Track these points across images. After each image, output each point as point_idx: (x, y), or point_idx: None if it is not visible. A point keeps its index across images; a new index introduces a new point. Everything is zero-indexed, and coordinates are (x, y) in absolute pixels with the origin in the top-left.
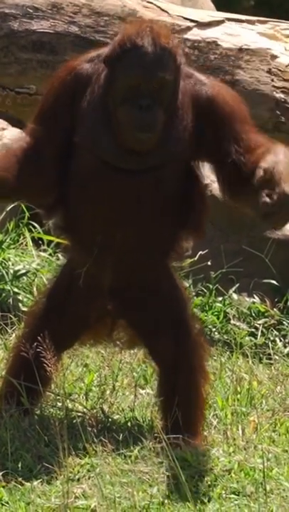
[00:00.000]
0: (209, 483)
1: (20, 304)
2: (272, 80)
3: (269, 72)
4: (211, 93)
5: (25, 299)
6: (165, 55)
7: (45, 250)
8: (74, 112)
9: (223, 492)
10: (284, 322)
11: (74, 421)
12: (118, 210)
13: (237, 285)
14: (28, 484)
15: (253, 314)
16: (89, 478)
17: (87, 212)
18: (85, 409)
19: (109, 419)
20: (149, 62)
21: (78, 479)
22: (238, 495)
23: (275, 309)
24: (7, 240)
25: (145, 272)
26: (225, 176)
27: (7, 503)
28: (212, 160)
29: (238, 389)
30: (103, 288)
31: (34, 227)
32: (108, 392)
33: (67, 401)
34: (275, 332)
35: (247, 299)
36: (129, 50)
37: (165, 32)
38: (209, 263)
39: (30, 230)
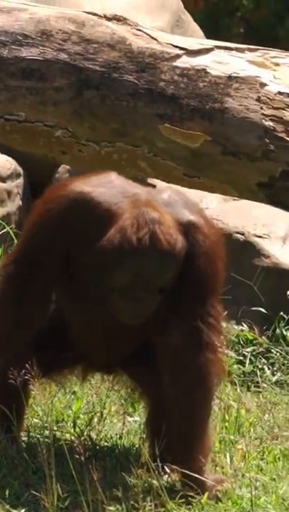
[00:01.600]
0: (197, 511)
1: None
2: (262, 108)
3: (258, 100)
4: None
5: None
6: (166, 259)
7: None
8: (67, 249)
9: None
10: (272, 350)
11: (62, 448)
12: (110, 329)
13: (225, 313)
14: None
15: (242, 342)
16: (76, 506)
17: (80, 320)
18: (72, 437)
19: (97, 447)
20: (148, 268)
21: (66, 507)
22: None
23: (263, 337)
24: None
25: (139, 346)
26: None
27: None
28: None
29: (226, 417)
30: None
31: None
32: (96, 419)
33: (55, 428)
34: (264, 360)
35: (235, 327)
36: (128, 255)
37: (168, 230)
38: None
39: None
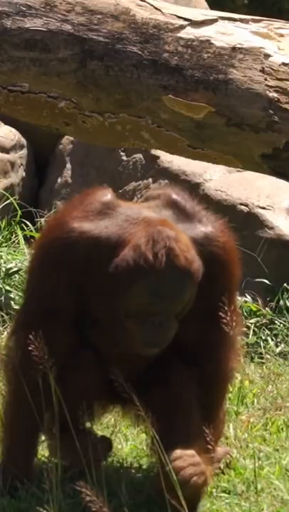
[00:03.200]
0: None
1: (12, 302)
2: (266, 79)
3: (262, 71)
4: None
5: (17, 297)
6: (184, 277)
7: None
8: (78, 288)
9: (214, 490)
10: (276, 321)
11: None
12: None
13: None
14: None
15: (245, 313)
16: None
17: (102, 343)
18: None
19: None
20: (165, 287)
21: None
22: (228, 493)
23: (267, 308)
24: None
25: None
26: None
27: None
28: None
29: (230, 388)
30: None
31: (26, 225)
32: None
33: None
34: (267, 331)
35: (239, 298)
36: (144, 272)
37: (185, 248)
38: None
39: (22, 229)
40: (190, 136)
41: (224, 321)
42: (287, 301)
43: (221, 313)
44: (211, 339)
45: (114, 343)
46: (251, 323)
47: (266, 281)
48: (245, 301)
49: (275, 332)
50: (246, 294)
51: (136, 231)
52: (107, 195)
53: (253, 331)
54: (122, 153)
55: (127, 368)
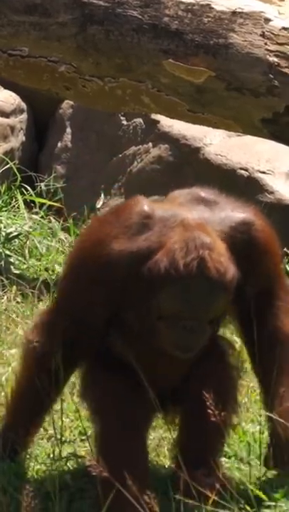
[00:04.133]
0: None
1: (12, 267)
2: (266, 44)
3: (262, 35)
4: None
5: (16, 262)
6: (214, 288)
7: (37, 213)
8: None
9: None
10: None
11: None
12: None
13: None
14: None
15: None
16: (81, 441)
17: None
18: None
19: None
20: (195, 296)
21: (69, 442)
22: (229, 458)
23: None
24: None
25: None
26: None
27: None
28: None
29: (230, 352)
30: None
31: (26, 189)
32: None
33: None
34: None
35: None
36: (173, 280)
37: (218, 258)
38: None
39: (22, 193)
40: (190, 100)
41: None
42: (287, 266)
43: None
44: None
45: (147, 349)
46: None
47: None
48: None
49: None
50: None
51: (172, 235)
52: (143, 206)
53: None
54: (122, 118)
55: (159, 377)
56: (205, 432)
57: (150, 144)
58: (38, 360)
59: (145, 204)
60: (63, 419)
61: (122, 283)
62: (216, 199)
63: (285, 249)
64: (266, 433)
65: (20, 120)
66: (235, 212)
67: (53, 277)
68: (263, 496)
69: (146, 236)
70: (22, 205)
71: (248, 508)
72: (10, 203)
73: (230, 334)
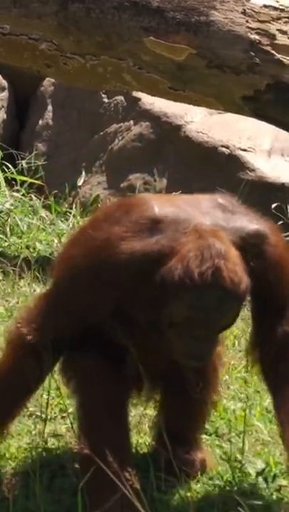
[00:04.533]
0: None
1: None
2: (247, 21)
3: (244, 13)
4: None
5: None
6: (227, 298)
7: (18, 191)
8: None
9: None
10: None
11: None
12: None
13: None
14: None
15: None
16: (62, 418)
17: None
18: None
19: None
20: (208, 305)
21: (50, 419)
22: (210, 435)
23: None
24: None
25: None
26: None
27: None
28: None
29: None
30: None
31: (7, 167)
32: None
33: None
34: None
35: None
36: (187, 289)
37: (233, 268)
38: None
39: (3, 171)
40: (171, 78)
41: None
42: None
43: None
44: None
45: (147, 342)
46: None
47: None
48: None
49: None
50: None
51: (186, 241)
52: (154, 206)
53: None
54: (103, 95)
55: (149, 362)
56: (186, 410)
57: (131, 122)
58: (26, 351)
59: (156, 205)
60: (44, 396)
61: (131, 285)
62: (233, 207)
63: None
64: (247, 410)
65: (1, 98)
66: (250, 224)
67: (34, 255)
68: (244, 473)
69: (157, 239)
70: (3, 183)
71: (228, 485)
72: None
73: None
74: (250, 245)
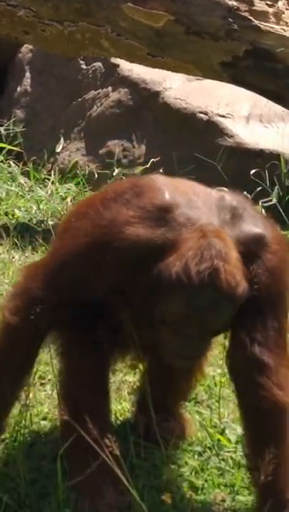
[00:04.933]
0: None
1: None
2: None
3: None
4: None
5: None
6: (222, 300)
7: None
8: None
9: None
10: None
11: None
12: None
13: None
14: None
15: None
16: (41, 385)
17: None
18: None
19: None
20: (202, 306)
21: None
22: (189, 402)
23: None
24: None
25: None
26: None
27: None
28: None
29: None
30: None
31: None
32: None
33: None
34: None
35: None
36: (183, 287)
37: (231, 270)
38: (161, 170)
39: None
40: (149, 44)
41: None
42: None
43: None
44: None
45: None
46: None
47: (226, 190)
48: None
49: None
50: None
51: (188, 238)
52: (164, 195)
53: None
54: (81, 62)
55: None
56: (171, 381)
57: (110, 88)
58: (18, 337)
59: (167, 193)
60: None
61: (130, 271)
62: (243, 210)
63: (245, 192)
64: (227, 376)
65: None
66: (254, 228)
67: (13, 222)
68: (223, 440)
69: (162, 231)
70: None
71: (207, 451)
72: None
73: None
74: (249, 250)
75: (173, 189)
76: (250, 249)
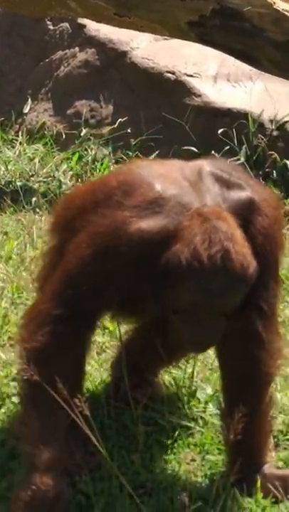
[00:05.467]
0: None
1: None
2: None
3: None
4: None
5: None
6: (236, 281)
7: None
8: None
9: None
10: None
11: None
12: None
13: (157, 152)
14: None
15: None
16: (10, 346)
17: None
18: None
19: None
20: (215, 290)
21: None
22: None
23: None
24: None
25: None
26: None
27: None
28: None
29: None
30: None
31: None
32: (28, 260)
33: None
34: None
35: None
36: (195, 273)
37: (241, 250)
38: (129, 130)
39: None
40: (116, 4)
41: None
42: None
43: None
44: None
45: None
46: None
47: (194, 149)
48: None
49: None
50: None
51: (190, 224)
52: (154, 188)
53: None
54: (48, 23)
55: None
56: (156, 350)
57: (77, 49)
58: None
59: (157, 184)
60: None
61: (140, 267)
62: (230, 176)
63: (212, 152)
64: None
65: None
66: (243, 193)
67: None
68: (193, 400)
69: (160, 220)
70: None
71: (178, 411)
72: None
73: None
74: (241, 217)
75: (161, 179)
76: (242, 215)
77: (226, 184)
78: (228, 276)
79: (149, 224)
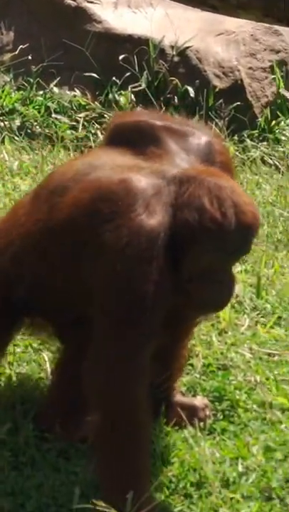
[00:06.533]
0: None
1: None
2: None
3: None
4: None
5: None
6: (249, 234)
7: None
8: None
9: None
10: (105, 115)
11: None
12: None
13: (58, 79)
14: None
15: (74, 108)
16: None
17: None
18: None
19: None
20: (232, 247)
21: None
22: None
23: (96, 102)
24: None
25: None
26: None
27: None
28: None
29: None
30: None
31: None
32: None
33: None
34: (96, 125)
35: (68, 93)
36: (211, 235)
37: (248, 201)
38: (30, 57)
39: None
40: None
41: None
42: (116, 95)
43: None
44: None
45: None
46: (80, 117)
47: (95, 75)
48: (75, 96)
49: (104, 126)
50: (75, 88)
51: (188, 192)
52: (137, 196)
53: (83, 124)
54: None
55: None
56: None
57: None
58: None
59: (137, 190)
60: None
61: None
62: (179, 126)
63: (113, 78)
64: None
65: None
66: (199, 138)
67: None
68: None
69: (160, 217)
70: None
71: None
72: None
73: None
74: (208, 161)
75: (137, 178)
76: (206, 159)
77: (182, 138)
78: (242, 229)
79: (160, 214)
